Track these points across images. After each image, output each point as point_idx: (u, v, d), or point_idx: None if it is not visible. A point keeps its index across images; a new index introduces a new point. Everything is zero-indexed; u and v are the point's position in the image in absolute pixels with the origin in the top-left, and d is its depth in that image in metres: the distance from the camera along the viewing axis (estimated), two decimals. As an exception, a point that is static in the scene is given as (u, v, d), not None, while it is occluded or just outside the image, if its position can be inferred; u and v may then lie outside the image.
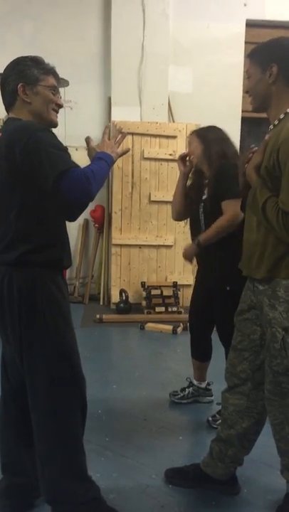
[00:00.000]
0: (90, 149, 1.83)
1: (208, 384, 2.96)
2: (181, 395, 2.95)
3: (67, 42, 5.08)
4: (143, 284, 4.95)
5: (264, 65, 1.71)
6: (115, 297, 5.04)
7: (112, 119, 5.05)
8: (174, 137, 5.06)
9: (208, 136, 2.59)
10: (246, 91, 1.81)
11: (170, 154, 5.03)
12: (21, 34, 5.11)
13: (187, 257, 2.69)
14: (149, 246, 5.13)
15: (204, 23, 5.31)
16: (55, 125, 1.83)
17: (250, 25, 5.39)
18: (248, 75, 1.76)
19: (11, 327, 1.73)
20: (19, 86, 1.74)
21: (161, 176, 5.09)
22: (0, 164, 1.69)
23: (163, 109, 5.22)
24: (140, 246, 5.12)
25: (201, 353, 2.85)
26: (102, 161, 1.74)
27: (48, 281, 1.74)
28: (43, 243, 1.71)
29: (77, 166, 1.61)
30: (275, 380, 1.78)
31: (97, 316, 4.57)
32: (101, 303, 5.25)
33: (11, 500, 1.91)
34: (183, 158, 2.66)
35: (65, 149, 1.66)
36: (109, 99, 5.21)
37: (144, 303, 4.89)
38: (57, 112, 1.84)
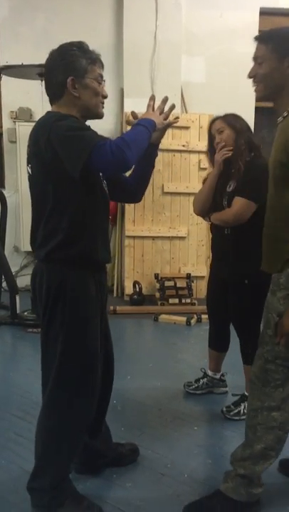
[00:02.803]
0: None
1: (223, 375, 2.96)
2: (196, 385, 2.96)
3: (79, 33, 4.99)
4: (156, 276, 4.95)
5: (283, 52, 1.62)
6: (129, 289, 5.05)
7: (125, 110, 5.03)
8: (187, 128, 5.03)
9: (238, 126, 2.50)
10: (252, 76, 1.71)
11: (183, 145, 5.01)
12: (33, 26, 5.11)
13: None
14: (163, 237, 5.12)
15: (217, 12, 5.25)
16: (102, 116, 1.80)
17: (264, 13, 5.32)
18: (259, 61, 1.67)
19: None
20: (69, 80, 1.69)
21: (174, 167, 5.07)
22: (32, 162, 1.72)
23: (176, 100, 5.17)
24: (153, 238, 5.12)
25: (219, 343, 2.85)
26: (139, 126, 1.71)
27: (77, 284, 1.74)
28: (70, 238, 1.71)
29: (104, 140, 1.58)
30: (263, 367, 1.78)
31: (111, 307, 4.59)
32: (114, 295, 5.26)
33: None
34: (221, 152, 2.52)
35: (88, 128, 1.64)
36: (122, 90, 5.20)
37: (157, 294, 4.89)
38: (103, 104, 1.80)
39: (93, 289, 1.81)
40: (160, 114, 1.84)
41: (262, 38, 1.68)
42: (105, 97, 1.80)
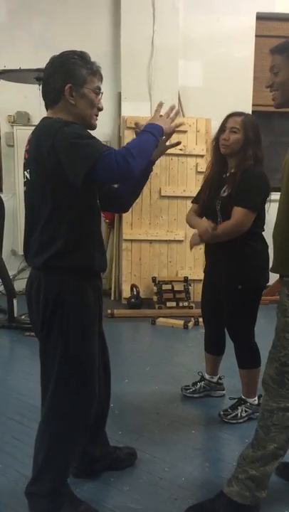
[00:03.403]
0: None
1: (220, 378, 2.96)
2: (193, 389, 2.96)
3: (77, 37, 5.07)
4: (154, 279, 4.96)
5: None
6: (126, 292, 5.05)
7: (122, 114, 5.05)
8: (184, 132, 5.04)
9: (251, 135, 2.45)
10: (270, 85, 1.78)
11: (180, 149, 5.01)
12: (30, 30, 5.12)
13: (191, 245, 2.62)
14: (160, 241, 5.13)
15: (214, 17, 5.27)
16: (94, 128, 1.80)
17: (261, 18, 5.34)
18: (275, 70, 1.75)
19: (36, 332, 1.83)
20: (67, 87, 1.70)
21: (172, 170, 5.09)
22: (31, 167, 1.70)
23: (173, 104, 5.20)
24: (151, 241, 5.12)
25: (214, 347, 2.86)
26: (146, 133, 1.72)
27: (75, 292, 1.75)
28: (69, 246, 1.70)
29: (109, 149, 1.58)
30: (280, 370, 1.79)
31: (109, 311, 4.59)
32: (112, 298, 5.26)
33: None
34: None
35: (92, 137, 1.63)
36: (119, 94, 5.21)
37: (155, 298, 4.89)
38: (97, 116, 1.81)
39: (91, 295, 1.82)
40: (167, 118, 1.86)
41: (277, 49, 1.76)
42: (101, 109, 1.82)
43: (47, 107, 1.79)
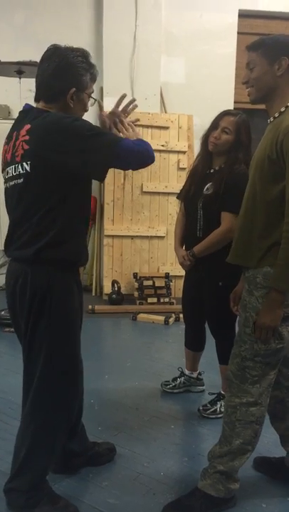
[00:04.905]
0: (101, 121, 1.92)
1: (200, 374, 2.98)
2: (173, 384, 2.97)
3: (59, 31, 5.03)
4: (135, 275, 4.96)
5: (273, 57, 1.72)
6: (107, 288, 5.05)
7: (105, 109, 5.01)
8: (166, 128, 5.06)
9: (243, 138, 2.44)
10: (245, 81, 1.80)
11: (162, 145, 5.02)
12: (12, 23, 5.06)
13: (184, 268, 2.69)
14: (142, 237, 5.13)
15: (197, 13, 5.28)
16: None
17: (243, 15, 5.37)
18: (251, 66, 1.77)
19: (20, 327, 1.81)
20: (72, 91, 1.72)
21: (154, 166, 5.07)
22: (32, 160, 1.66)
23: (155, 100, 5.20)
24: (132, 237, 5.12)
25: (194, 343, 2.87)
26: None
27: (62, 286, 1.74)
28: (60, 238, 1.70)
29: (122, 138, 1.71)
30: (241, 365, 1.82)
31: (90, 306, 4.58)
32: (93, 294, 5.25)
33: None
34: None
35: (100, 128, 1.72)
36: (102, 89, 5.19)
37: (136, 294, 4.90)
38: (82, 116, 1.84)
39: (76, 290, 1.83)
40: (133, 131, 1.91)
41: (252, 46, 1.78)
42: (87, 111, 1.86)
43: (41, 98, 1.77)
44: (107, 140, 1.65)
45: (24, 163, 1.67)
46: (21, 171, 1.69)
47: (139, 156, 1.70)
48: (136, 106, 1.96)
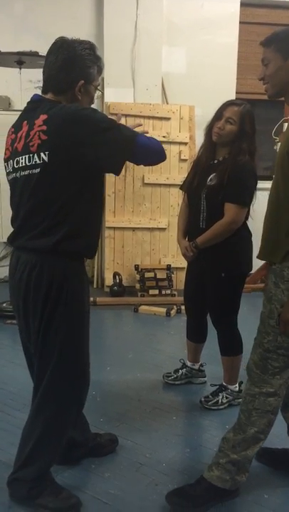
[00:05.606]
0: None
1: (202, 365, 2.99)
2: (175, 376, 2.98)
3: (60, 22, 4.98)
4: (137, 267, 4.95)
5: (286, 52, 1.72)
6: (109, 280, 5.04)
7: (106, 100, 4.99)
8: (168, 119, 5.02)
9: (247, 128, 2.43)
10: (261, 78, 1.81)
11: (164, 136, 4.99)
12: (12, 13, 5.00)
13: (186, 259, 2.68)
14: (143, 229, 5.12)
15: (198, 3, 5.22)
16: None
17: (245, 4, 5.31)
18: (265, 62, 1.77)
19: (32, 318, 1.76)
20: (80, 83, 1.73)
21: (155, 158, 5.05)
22: (50, 150, 1.64)
23: (156, 90, 5.16)
24: (134, 229, 5.11)
25: (196, 335, 2.87)
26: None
27: (77, 277, 1.77)
28: (78, 231, 1.71)
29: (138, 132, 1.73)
30: (263, 355, 1.83)
31: (91, 298, 4.57)
32: (95, 286, 5.24)
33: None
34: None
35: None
36: (102, 79, 5.15)
37: (137, 286, 4.89)
38: None
39: (86, 281, 1.86)
40: None
41: (266, 42, 1.78)
42: (93, 103, 1.88)
43: (48, 90, 1.76)
44: (124, 134, 1.67)
45: (42, 154, 1.64)
46: (38, 161, 1.65)
47: (154, 153, 1.76)
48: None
